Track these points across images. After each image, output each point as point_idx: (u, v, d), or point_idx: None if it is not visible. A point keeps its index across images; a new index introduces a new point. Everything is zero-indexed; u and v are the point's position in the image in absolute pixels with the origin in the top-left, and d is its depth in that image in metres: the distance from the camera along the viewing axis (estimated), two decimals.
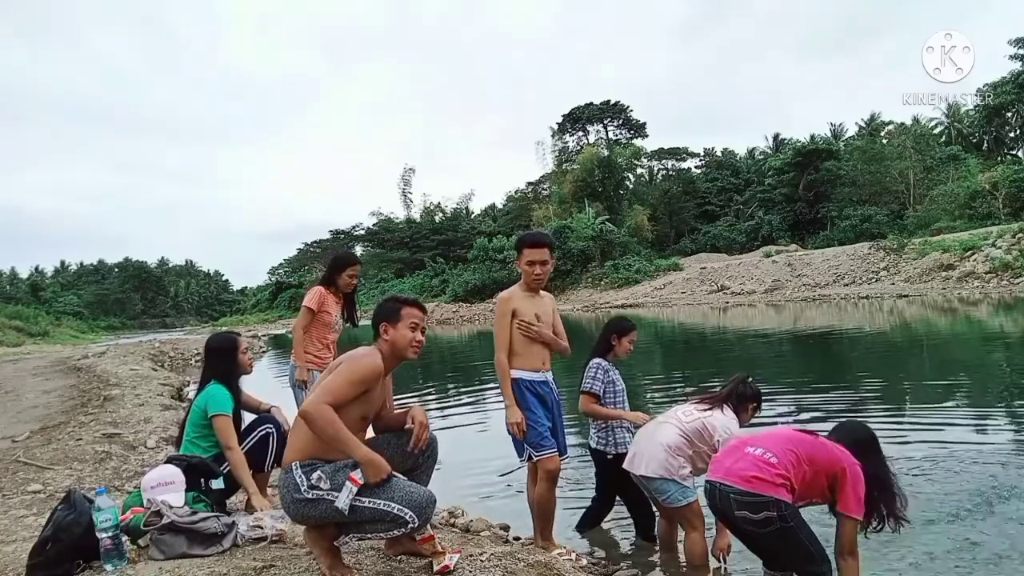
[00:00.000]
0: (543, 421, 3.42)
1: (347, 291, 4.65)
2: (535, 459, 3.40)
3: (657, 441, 3.30)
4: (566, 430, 3.76)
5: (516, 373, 3.45)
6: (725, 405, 3.38)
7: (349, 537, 2.51)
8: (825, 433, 2.89)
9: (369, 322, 2.74)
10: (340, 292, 4.64)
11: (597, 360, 3.90)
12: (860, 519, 2.65)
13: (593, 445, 3.90)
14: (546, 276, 3.53)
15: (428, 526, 2.61)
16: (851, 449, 2.72)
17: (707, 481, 2.82)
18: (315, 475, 2.39)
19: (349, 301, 4.69)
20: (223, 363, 3.63)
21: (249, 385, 3.77)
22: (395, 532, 2.41)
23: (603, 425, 3.84)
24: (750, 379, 3.50)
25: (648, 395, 9.13)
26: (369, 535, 2.50)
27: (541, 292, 3.61)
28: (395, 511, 2.35)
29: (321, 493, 2.37)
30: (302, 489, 2.39)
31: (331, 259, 4.76)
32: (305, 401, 2.39)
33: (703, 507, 3.32)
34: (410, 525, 2.37)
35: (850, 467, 2.66)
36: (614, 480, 3.84)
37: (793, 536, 2.60)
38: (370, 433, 2.92)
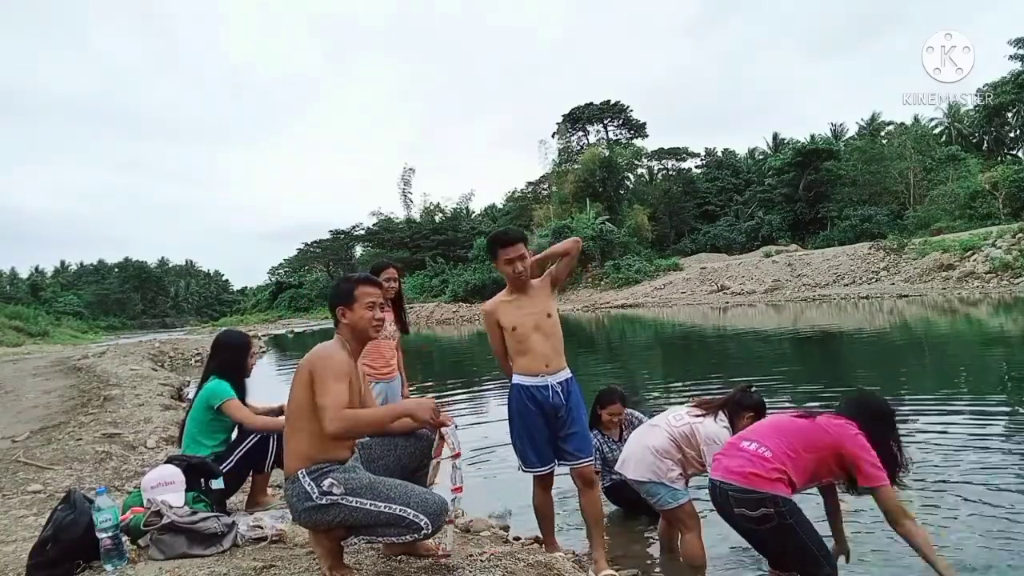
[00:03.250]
0: (535, 435, 3.22)
1: (390, 298, 4.50)
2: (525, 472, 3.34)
3: (645, 444, 3.31)
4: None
5: (515, 379, 3.31)
6: (720, 412, 3.36)
7: (358, 539, 2.50)
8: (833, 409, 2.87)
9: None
10: (386, 301, 4.55)
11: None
12: (887, 484, 2.61)
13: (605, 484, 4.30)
14: (528, 269, 3.26)
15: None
16: (856, 421, 2.71)
17: (709, 479, 2.83)
18: (327, 481, 2.38)
19: (397, 308, 4.51)
20: (232, 361, 3.61)
21: (249, 385, 3.75)
22: (407, 537, 2.39)
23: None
24: (752, 389, 3.48)
25: (648, 395, 9.14)
26: (380, 538, 2.49)
27: (532, 282, 3.32)
28: (411, 517, 2.35)
29: (335, 498, 2.36)
30: (313, 496, 2.37)
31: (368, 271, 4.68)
32: (325, 424, 2.33)
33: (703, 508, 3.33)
34: (423, 531, 2.36)
35: (850, 441, 2.64)
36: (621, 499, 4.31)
37: (793, 535, 2.59)
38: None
